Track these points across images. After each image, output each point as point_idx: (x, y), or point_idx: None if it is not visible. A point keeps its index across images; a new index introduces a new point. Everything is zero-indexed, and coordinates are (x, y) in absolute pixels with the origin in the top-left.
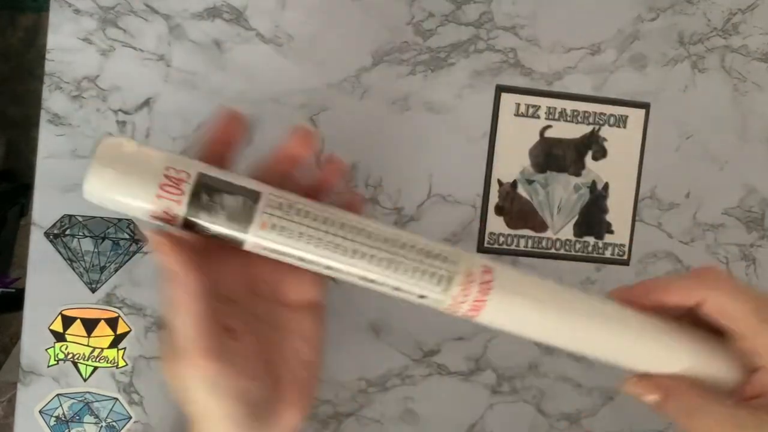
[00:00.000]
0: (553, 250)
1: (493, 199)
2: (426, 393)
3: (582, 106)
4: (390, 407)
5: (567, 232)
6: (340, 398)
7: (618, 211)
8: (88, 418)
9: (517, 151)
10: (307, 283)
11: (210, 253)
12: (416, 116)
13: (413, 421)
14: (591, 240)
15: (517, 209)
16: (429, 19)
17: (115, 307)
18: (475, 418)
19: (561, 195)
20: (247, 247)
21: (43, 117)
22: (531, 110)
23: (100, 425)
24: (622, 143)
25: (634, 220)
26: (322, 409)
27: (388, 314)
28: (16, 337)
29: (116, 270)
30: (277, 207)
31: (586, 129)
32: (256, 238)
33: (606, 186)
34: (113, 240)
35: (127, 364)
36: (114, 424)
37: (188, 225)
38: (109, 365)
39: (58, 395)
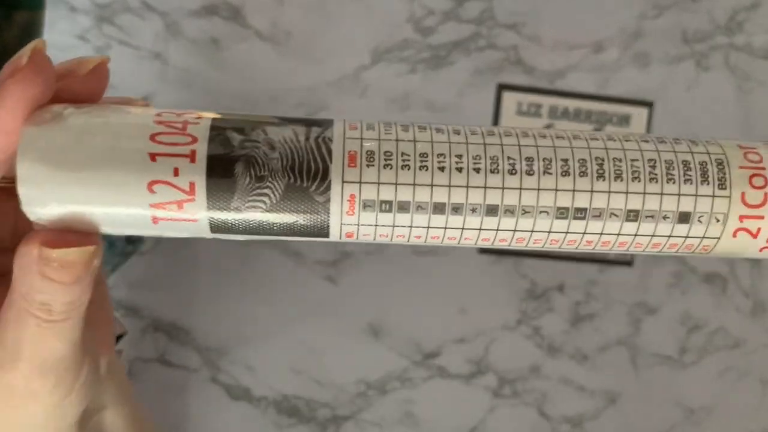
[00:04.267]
0: (555, 251)
1: None
2: (426, 396)
3: (584, 105)
4: (389, 410)
5: None
6: (339, 401)
7: None
8: None
9: None
10: None
11: None
12: (416, 115)
13: (413, 425)
14: None
15: None
16: (429, 17)
17: None
18: (476, 422)
19: None
20: (334, 216)
21: None
22: (533, 109)
23: None
24: None
25: None
26: (321, 412)
27: (387, 315)
28: None
29: (112, 271)
30: (368, 128)
31: (588, 128)
32: (349, 192)
33: None
34: (108, 241)
35: (123, 366)
36: None
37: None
38: None
39: None
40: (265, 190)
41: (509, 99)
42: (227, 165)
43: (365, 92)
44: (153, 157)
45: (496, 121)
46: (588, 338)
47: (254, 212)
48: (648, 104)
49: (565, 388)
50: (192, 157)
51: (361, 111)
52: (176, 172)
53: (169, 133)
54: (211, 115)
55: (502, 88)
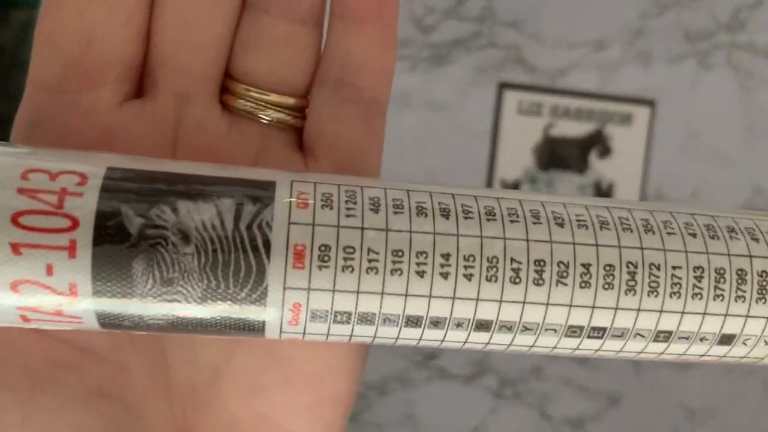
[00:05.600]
0: None
1: None
2: (427, 397)
3: (586, 104)
4: (390, 411)
5: None
6: None
7: None
8: None
9: (520, 149)
10: None
11: None
12: (417, 114)
13: (414, 426)
14: None
15: None
16: (430, 15)
17: None
18: (477, 423)
19: None
20: (271, 325)
21: None
22: (534, 108)
23: None
24: (627, 141)
25: None
26: None
27: None
28: None
29: None
30: (325, 203)
31: (590, 127)
32: (292, 296)
33: (611, 185)
34: None
35: None
36: None
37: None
38: None
39: None
40: (175, 296)
41: (510, 97)
42: (122, 263)
43: None
44: (16, 249)
45: (496, 119)
46: None
47: (159, 317)
48: (650, 103)
49: (566, 389)
50: (71, 250)
51: None
52: (50, 271)
53: (39, 212)
54: (100, 175)
55: (503, 86)
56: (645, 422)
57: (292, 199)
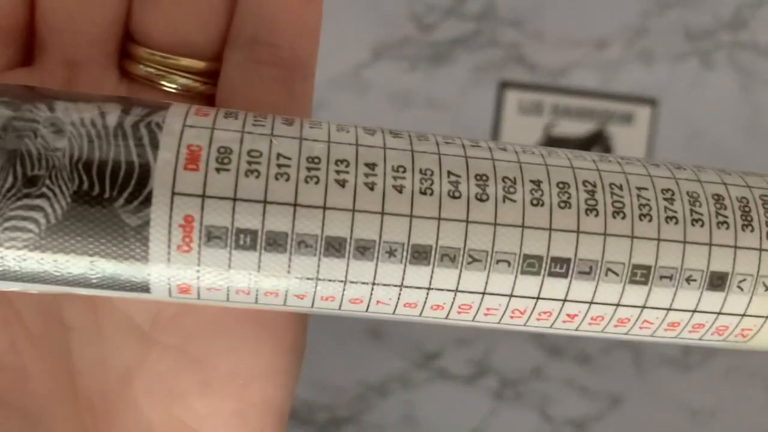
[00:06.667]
0: None
1: None
2: (427, 398)
3: (587, 103)
4: (390, 412)
5: None
6: (338, 403)
7: None
8: None
9: None
10: None
11: None
12: (417, 113)
13: (414, 427)
14: None
15: None
16: (430, 14)
17: None
18: (477, 423)
19: None
20: (157, 255)
21: None
22: (535, 107)
23: None
24: (628, 141)
25: None
26: (320, 414)
27: None
28: None
29: None
30: (229, 116)
31: (591, 126)
32: (184, 210)
33: None
34: None
35: None
36: None
37: None
38: None
39: None
40: (39, 200)
41: (511, 97)
42: None
43: (365, 90)
44: None
45: (497, 119)
46: (591, 339)
47: (15, 243)
48: (651, 102)
49: (567, 390)
50: None
51: (360, 109)
52: None
53: None
54: None
55: (504, 85)
56: (647, 423)
57: (190, 108)
